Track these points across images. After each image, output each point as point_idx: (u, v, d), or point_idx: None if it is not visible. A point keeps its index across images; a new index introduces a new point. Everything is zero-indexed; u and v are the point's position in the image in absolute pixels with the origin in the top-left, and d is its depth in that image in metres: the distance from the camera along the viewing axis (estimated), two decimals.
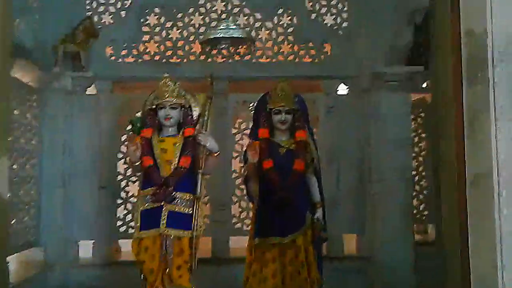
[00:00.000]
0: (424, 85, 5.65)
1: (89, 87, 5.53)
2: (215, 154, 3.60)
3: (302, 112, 3.80)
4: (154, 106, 3.63)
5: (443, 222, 2.95)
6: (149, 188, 3.50)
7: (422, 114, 5.98)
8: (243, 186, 5.33)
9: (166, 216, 3.44)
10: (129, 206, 5.54)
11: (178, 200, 3.48)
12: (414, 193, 5.67)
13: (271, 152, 3.66)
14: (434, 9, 3.14)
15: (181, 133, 3.62)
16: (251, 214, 5.29)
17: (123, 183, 5.60)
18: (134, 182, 5.45)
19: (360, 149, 5.50)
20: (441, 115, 2.83)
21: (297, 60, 5.66)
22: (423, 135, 5.97)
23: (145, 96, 3.82)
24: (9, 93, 3.76)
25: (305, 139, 3.71)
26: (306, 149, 3.71)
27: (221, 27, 3.82)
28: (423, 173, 5.92)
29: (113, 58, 5.58)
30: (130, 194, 5.56)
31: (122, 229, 5.54)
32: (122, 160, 5.56)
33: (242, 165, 5.27)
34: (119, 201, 5.56)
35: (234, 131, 5.66)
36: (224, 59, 5.28)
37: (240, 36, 3.82)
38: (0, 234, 3.45)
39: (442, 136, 2.93)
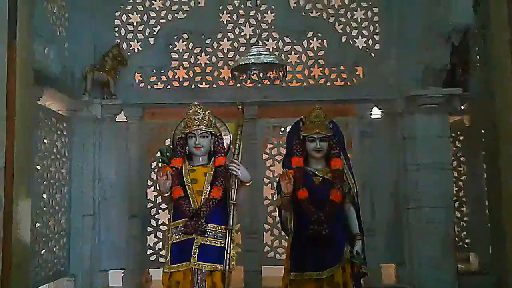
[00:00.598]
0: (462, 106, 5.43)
1: (119, 114, 5.49)
2: (247, 184, 3.47)
3: (338, 139, 3.65)
4: (183, 135, 3.54)
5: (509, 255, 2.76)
6: (180, 220, 3.40)
7: (461, 137, 5.76)
8: (275, 214, 5.24)
9: (197, 249, 3.33)
10: (159, 234, 5.44)
11: (209, 232, 3.36)
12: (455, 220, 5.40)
13: (306, 181, 3.50)
14: (486, 31, 2.95)
15: (212, 162, 3.51)
16: (284, 242, 5.20)
17: (153, 211, 5.52)
18: (164, 210, 5.36)
19: (395, 174, 5.31)
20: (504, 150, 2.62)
21: (328, 83, 5.53)
22: (462, 158, 5.74)
23: (175, 122, 3.74)
24: (32, 138, 3.76)
25: (341, 168, 3.54)
26: (343, 178, 3.54)
27: (252, 53, 3.72)
28: (464, 199, 5.67)
29: (142, 85, 5.55)
30: (160, 222, 5.46)
31: (153, 258, 5.44)
32: (152, 188, 5.48)
33: (274, 192, 5.17)
34: (149, 229, 5.47)
35: (265, 156, 5.53)
36: (254, 84, 5.19)
37: (272, 61, 3.71)
38: (24, 276, 3.39)
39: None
